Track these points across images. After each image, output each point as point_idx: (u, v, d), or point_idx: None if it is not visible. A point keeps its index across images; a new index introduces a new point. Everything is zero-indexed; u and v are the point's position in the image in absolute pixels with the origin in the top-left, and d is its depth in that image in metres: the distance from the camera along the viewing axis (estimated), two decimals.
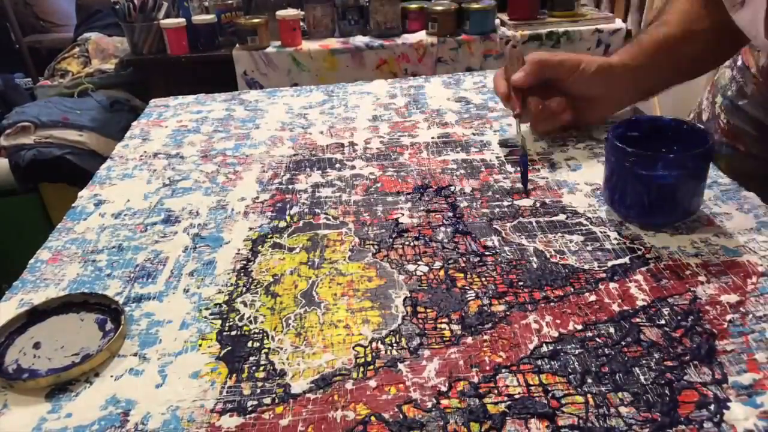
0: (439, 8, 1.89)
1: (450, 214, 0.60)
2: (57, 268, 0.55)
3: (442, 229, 0.58)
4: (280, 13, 2.05)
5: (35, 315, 0.48)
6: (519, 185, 0.64)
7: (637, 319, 0.45)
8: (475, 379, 0.41)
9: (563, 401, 0.39)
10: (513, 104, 0.71)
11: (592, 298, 0.48)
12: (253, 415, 0.39)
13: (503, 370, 0.41)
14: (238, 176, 0.70)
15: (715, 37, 0.74)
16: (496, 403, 0.39)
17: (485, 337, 0.44)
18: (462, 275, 0.51)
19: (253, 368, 0.43)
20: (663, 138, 0.59)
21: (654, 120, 0.61)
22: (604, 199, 0.59)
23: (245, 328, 0.47)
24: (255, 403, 0.40)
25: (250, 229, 0.59)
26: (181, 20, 2.14)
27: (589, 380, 0.40)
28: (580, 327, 0.45)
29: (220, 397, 0.41)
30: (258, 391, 0.41)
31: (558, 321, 0.45)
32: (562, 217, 0.59)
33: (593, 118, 0.76)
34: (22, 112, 2.03)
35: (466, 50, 1.91)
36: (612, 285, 0.49)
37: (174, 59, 2.17)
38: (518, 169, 0.66)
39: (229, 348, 0.45)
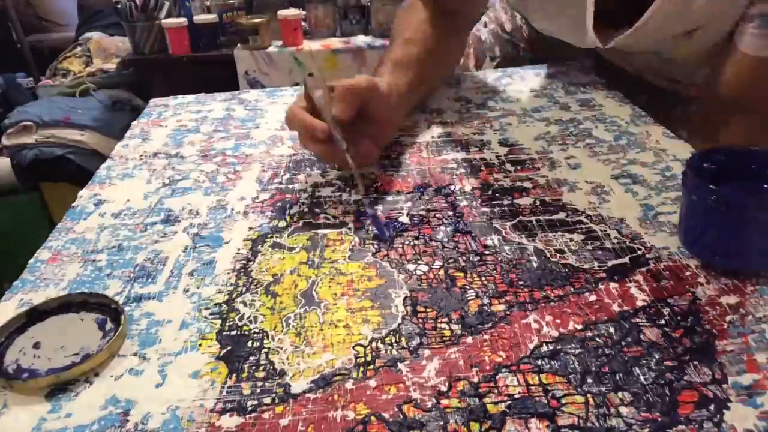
0: None
1: (450, 213, 0.60)
2: (57, 268, 0.55)
3: (442, 228, 0.58)
4: (282, 12, 2.05)
5: (35, 315, 0.48)
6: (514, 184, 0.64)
7: (637, 319, 0.45)
8: (475, 379, 0.41)
9: (563, 401, 0.39)
10: (336, 139, 0.61)
11: (592, 297, 0.48)
12: (253, 414, 0.39)
13: (503, 370, 0.41)
14: (238, 176, 0.70)
15: (450, 41, 0.86)
16: (496, 403, 0.39)
17: (485, 336, 0.44)
18: (462, 275, 0.51)
19: (253, 368, 0.43)
20: (743, 168, 0.52)
21: (731, 150, 0.53)
22: (681, 241, 0.52)
23: (245, 327, 0.47)
24: (255, 402, 0.40)
25: (250, 228, 0.59)
26: (183, 20, 2.14)
27: (589, 380, 0.40)
28: (580, 327, 0.45)
29: (220, 396, 0.41)
30: (258, 390, 0.41)
31: (558, 321, 0.45)
32: (562, 215, 0.58)
33: (382, 143, 0.70)
34: (24, 112, 2.04)
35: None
36: (612, 285, 0.49)
37: (175, 59, 2.18)
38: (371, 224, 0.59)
39: (229, 348, 0.45)
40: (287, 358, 0.44)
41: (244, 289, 0.51)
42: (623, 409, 0.38)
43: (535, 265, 0.52)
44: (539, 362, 0.42)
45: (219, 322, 0.47)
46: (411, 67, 0.75)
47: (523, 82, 0.94)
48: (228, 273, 0.53)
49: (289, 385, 0.41)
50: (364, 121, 0.65)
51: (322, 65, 2.02)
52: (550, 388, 0.40)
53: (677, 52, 0.82)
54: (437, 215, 0.60)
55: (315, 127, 0.61)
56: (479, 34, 1.10)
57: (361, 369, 0.42)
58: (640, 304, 0.47)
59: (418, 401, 0.39)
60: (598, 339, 0.44)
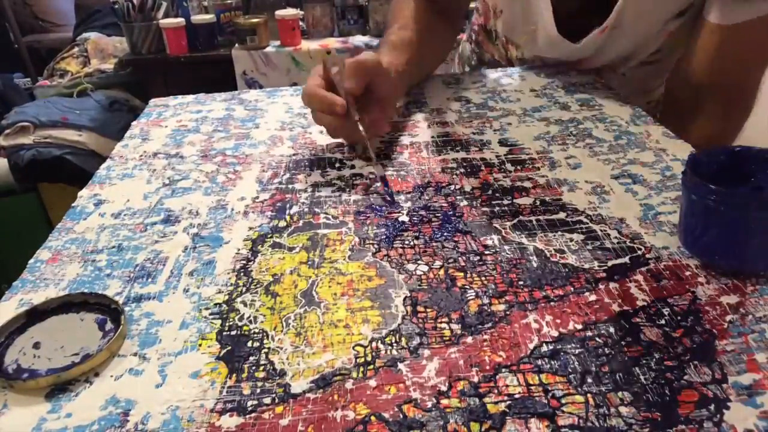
0: None
1: (450, 213, 0.60)
2: (57, 268, 0.55)
3: (442, 228, 0.58)
4: (279, 12, 2.05)
5: (35, 315, 0.48)
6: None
7: (637, 319, 0.45)
8: (475, 379, 0.41)
9: (563, 401, 0.39)
10: (352, 111, 0.67)
11: (592, 297, 0.48)
12: (253, 414, 0.39)
13: (503, 370, 0.41)
14: (237, 176, 0.70)
15: (441, 27, 0.93)
16: (496, 403, 0.39)
17: (485, 336, 0.44)
18: (462, 274, 0.51)
19: (253, 368, 0.43)
20: (742, 169, 0.52)
21: (731, 150, 0.53)
22: (681, 241, 0.53)
23: (245, 327, 0.47)
24: (255, 402, 0.40)
25: (250, 228, 0.59)
26: (181, 20, 2.14)
27: (589, 380, 0.40)
28: (580, 327, 0.45)
29: (220, 397, 0.41)
30: (258, 390, 0.41)
31: (558, 320, 0.46)
32: (562, 215, 0.59)
33: (386, 116, 0.75)
34: (22, 112, 2.03)
35: None
36: (612, 285, 0.49)
37: (173, 59, 2.18)
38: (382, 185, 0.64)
39: (229, 348, 0.45)
40: (287, 358, 0.43)
41: (244, 289, 0.51)
42: (623, 409, 0.38)
43: (535, 265, 0.52)
44: (539, 362, 0.42)
45: (219, 322, 0.47)
46: (406, 49, 0.81)
47: (523, 82, 0.94)
48: (228, 273, 0.53)
49: (289, 385, 0.41)
50: (368, 98, 0.71)
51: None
52: (550, 388, 0.40)
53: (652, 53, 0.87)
54: (437, 215, 0.60)
55: (335, 101, 0.67)
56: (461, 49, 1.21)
57: (361, 369, 0.42)
58: (640, 304, 0.47)
59: (418, 401, 0.39)
60: (598, 339, 0.44)
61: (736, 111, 0.83)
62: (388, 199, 0.62)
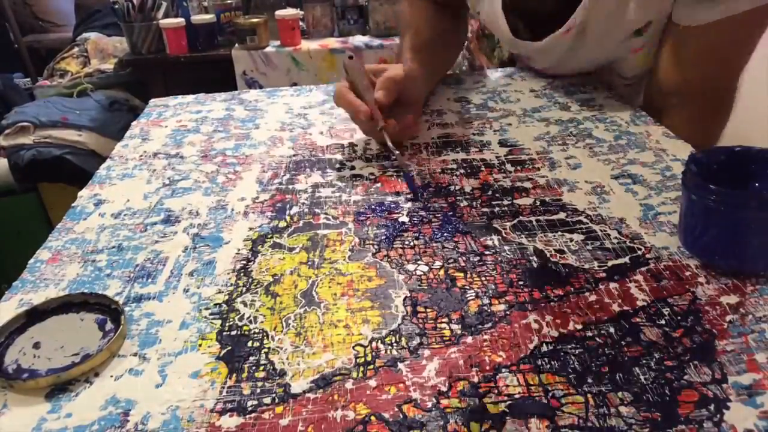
0: None
1: (450, 213, 0.60)
2: (57, 268, 0.55)
3: (443, 228, 0.58)
4: (279, 12, 2.05)
5: (35, 315, 0.48)
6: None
7: (637, 319, 0.45)
8: (475, 379, 0.41)
9: (563, 401, 0.39)
10: (377, 119, 0.70)
11: (592, 297, 0.48)
12: (253, 414, 0.39)
13: (503, 370, 0.41)
14: (238, 176, 0.70)
15: (454, 25, 0.96)
16: (496, 403, 0.39)
17: (485, 336, 0.44)
18: (462, 275, 0.51)
19: (253, 368, 0.43)
20: (742, 169, 0.52)
21: (731, 150, 0.53)
22: (681, 241, 0.53)
23: (245, 327, 0.47)
24: (255, 402, 0.40)
25: (250, 229, 0.59)
26: (180, 20, 2.14)
27: (589, 380, 0.40)
28: (580, 327, 0.45)
29: (220, 397, 0.41)
30: (258, 390, 0.41)
31: (558, 321, 0.45)
32: (562, 215, 0.59)
33: (417, 118, 0.79)
34: (22, 112, 2.03)
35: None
36: (612, 285, 0.49)
37: (173, 59, 2.18)
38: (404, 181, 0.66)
39: (229, 348, 0.45)
40: (287, 358, 0.43)
41: (244, 289, 0.51)
42: (623, 409, 0.38)
43: (535, 265, 0.52)
44: (539, 362, 0.42)
45: (219, 322, 0.47)
46: (427, 52, 0.84)
47: (523, 82, 0.94)
48: (228, 273, 0.53)
49: (289, 385, 0.41)
50: (399, 104, 0.74)
51: (321, 65, 2.02)
52: (550, 388, 0.40)
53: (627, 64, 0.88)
54: (437, 216, 0.60)
55: (359, 109, 0.71)
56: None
57: (361, 369, 0.42)
58: (640, 304, 0.47)
59: (418, 401, 0.39)
60: (598, 339, 0.44)
61: (715, 113, 0.82)
62: (413, 194, 0.64)
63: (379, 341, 0.45)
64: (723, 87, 0.80)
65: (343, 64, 0.74)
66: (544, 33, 0.83)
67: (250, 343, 0.45)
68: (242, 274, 0.53)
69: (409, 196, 0.64)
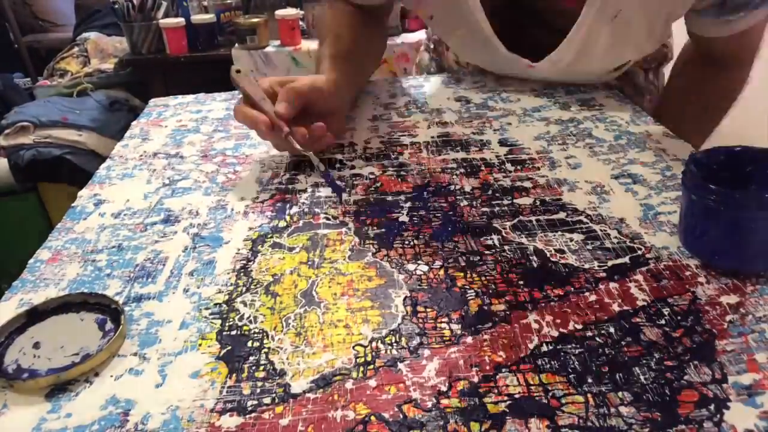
0: None
1: (450, 213, 0.60)
2: (57, 268, 0.55)
3: (442, 228, 0.58)
4: (279, 12, 2.05)
5: (35, 315, 0.48)
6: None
7: (637, 319, 0.45)
8: (475, 379, 0.41)
9: (563, 401, 0.39)
10: (279, 126, 0.67)
11: (592, 297, 0.48)
12: (253, 414, 0.39)
13: (503, 370, 0.41)
14: (237, 176, 0.70)
15: (372, 32, 0.94)
16: (496, 403, 0.39)
17: (485, 336, 0.44)
18: (462, 274, 0.51)
19: (253, 368, 0.43)
20: (742, 169, 0.52)
21: (731, 150, 0.53)
22: (681, 241, 0.53)
23: (245, 327, 0.47)
24: (255, 402, 0.40)
25: (250, 228, 0.59)
26: (180, 20, 2.14)
27: (589, 380, 0.40)
28: (580, 327, 0.45)
29: (220, 396, 0.41)
30: (258, 390, 0.41)
31: (558, 320, 0.45)
32: (562, 215, 0.59)
33: (334, 132, 0.75)
34: (21, 112, 2.03)
35: None
36: (612, 285, 0.49)
37: (173, 59, 2.18)
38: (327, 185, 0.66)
39: (229, 348, 0.45)
40: (287, 358, 0.43)
41: (244, 289, 0.51)
42: (623, 409, 0.38)
43: (535, 264, 0.52)
44: (539, 362, 0.42)
45: (219, 322, 0.47)
46: (347, 59, 0.82)
47: (523, 82, 0.94)
48: (228, 273, 0.53)
49: (289, 385, 0.41)
50: (315, 114, 0.71)
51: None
52: (550, 388, 0.40)
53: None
54: (437, 215, 0.60)
55: (257, 120, 0.67)
56: (420, 57, 1.22)
57: (361, 369, 0.42)
58: (640, 304, 0.47)
59: (418, 401, 0.39)
60: (598, 339, 0.44)
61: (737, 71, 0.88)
62: (337, 193, 0.64)
63: (379, 341, 0.45)
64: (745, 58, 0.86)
65: (231, 79, 0.71)
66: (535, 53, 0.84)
67: (250, 343, 0.45)
68: (242, 274, 0.53)
69: (409, 195, 0.64)
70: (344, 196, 0.64)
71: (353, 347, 0.44)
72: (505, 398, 0.39)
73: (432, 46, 1.15)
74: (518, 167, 0.68)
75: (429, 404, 0.39)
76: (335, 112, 0.76)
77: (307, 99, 0.70)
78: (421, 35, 1.93)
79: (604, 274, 0.50)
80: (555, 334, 0.44)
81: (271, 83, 0.71)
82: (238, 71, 0.71)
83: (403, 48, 1.95)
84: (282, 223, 0.60)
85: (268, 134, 0.68)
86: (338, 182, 0.66)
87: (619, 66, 0.85)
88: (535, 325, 0.45)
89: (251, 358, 0.44)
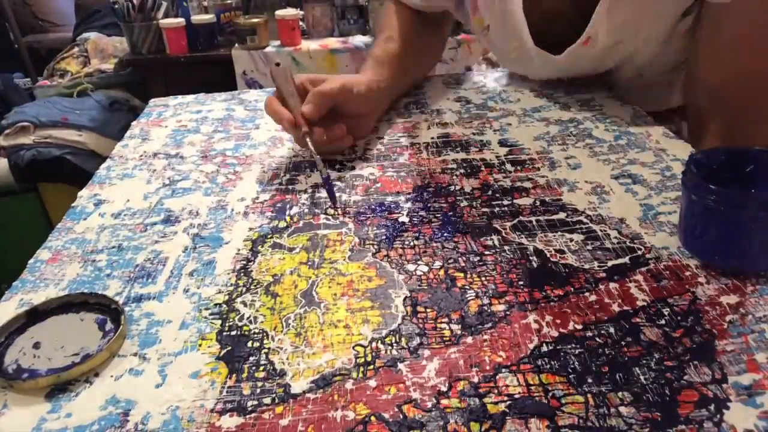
0: None
1: (450, 213, 0.60)
2: (57, 268, 0.55)
3: (442, 228, 0.58)
4: (279, 12, 2.05)
5: (35, 315, 0.48)
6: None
7: (637, 319, 0.45)
8: (475, 379, 0.41)
9: (563, 401, 0.39)
10: (299, 124, 0.68)
11: (592, 297, 0.48)
12: (253, 415, 0.39)
13: (503, 370, 0.41)
14: (238, 176, 0.70)
15: (428, 38, 0.94)
16: (496, 403, 0.39)
17: (485, 336, 0.44)
18: (462, 275, 0.51)
19: (253, 368, 0.43)
20: (742, 169, 0.52)
21: (731, 150, 0.53)
22: (681, 241, 0.53)
23: (245, 328, 0.47)
24: (255, 403, 0.40)
25: (250, 229, 0.59)
26: (181, 20, 2.14)
27: (589, 380, 0.40)
28: (580, 327, 0.45)
29: (220, 397, 0.41)
30: (258, 391, 0.41)
31: (558, 321, 0.45)
32: (562, 215, 0.59)
33: (361, 132, 0.78)
34: (21, 112, 2.03)
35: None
36: (612, 285, 0.49)
37: (173, 59, 2.18)
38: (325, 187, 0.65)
39: (229, 348, 0.45)
40: (287, 358, 0.43)
41: (244, 290, 0.51)
42: (623, 409, 0.38)
43: (535, 265, 0.52)
44: (539, 362, 0.42)
45: (219, 322, 0.47)
46: (391, 63, 0.83)
47: (523, 82, 0.94)
48: (228, 273, 0.53)
49: (289, 385, 0.41)
50: (341, 115, 0.72)
51: (321, 65, 2.02)
52: (550, 388, 0.40)
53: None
54: (437, 216, 0.60)
55: (282, 117, 0.69)
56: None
57: (361, 369, 0.42)
58: (640, 304, 0.47)
59: (418, 401, 0.39)
60: (598, 339, 0.44)
61: (758, 117, 0.72)
62: (332, 199, 0.63)
63: (379, 341, 0.45)
64: (762, 86, 0.70)
65: (269, 72, 0.71)
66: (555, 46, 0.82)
67: (250, 343, 0.45)
68: (242, 274, 0.53)
69: (409, 195, 0.64)
70: (338, 203, 0.64)
71: (353, 347, 0.44)
72: (505, 398, 0.39)
73: (440, 57, 1.13)
74: (518, 168, 0.68)
75: (429, 404, 0.39)
76: (365, 114, 0.77)
77: (335, 101, 0.71)
78: None
79: (604, 275, 0.50)
80: (555, 334, 0.44)
81: (303, 81, 0.72)
82: (277, 64, 0.72)
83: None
84: (282, 224, 0.60)
85: (291, 130, 0.70)
86: (336, 190, 0.66)
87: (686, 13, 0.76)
88: (535, 325, 0.45)
89: (251, 359, 0.44)
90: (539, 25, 0.82)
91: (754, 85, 0.70)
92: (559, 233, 0.56)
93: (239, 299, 0.50)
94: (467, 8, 0.91)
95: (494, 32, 0.88)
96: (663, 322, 0.45)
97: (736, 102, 0.72)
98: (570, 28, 0.80)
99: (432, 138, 0.77)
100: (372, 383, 0.41)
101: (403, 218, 0.60)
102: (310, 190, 0.66)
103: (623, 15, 0.76)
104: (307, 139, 0.68)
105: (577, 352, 0.43)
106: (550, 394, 0.39)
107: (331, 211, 0.62)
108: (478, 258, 0.53)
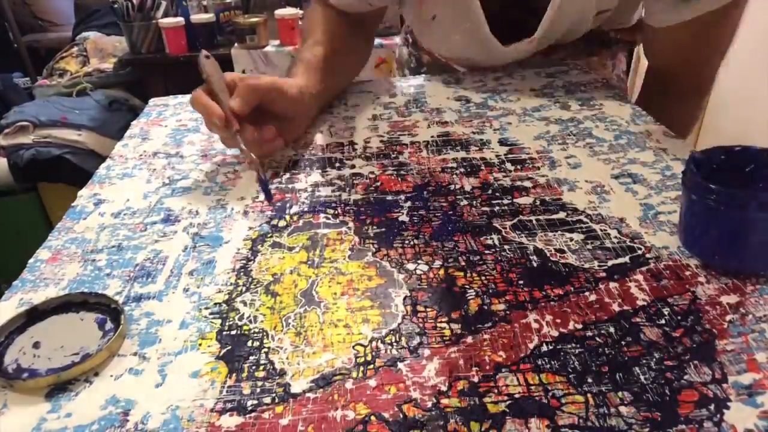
0: None
1: (450, 212, 0.60)
2: (56, 268, 0.55)
3: (443, 228, 0.58)
4: (279, 12, 2.05)
5: (35, 315, 0.48)
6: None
7: (637, 319, 0.45)
8: (475, 379, 0.41)
9: (563, 401, 0.39)
10: (230, 122, 0.66)
11: (592, 297, 0.48)
12: (253, 414, 0.39)
13: (503, 370, 0.41)
14: (237, 176, 0.70)
15: (355, 40, 0.93)
16: (496, 403, 0.39)
17: (485, 336, 0.44)
18: (462, 274, 0.51)
19: (253, 368, 0.43)
20: (742, 169, 0.52)
21: (731, 149, 0.53)
22: (681, 241, 0.53)
23: (245, 327, 0.47)
24: (255, 402, 0.40)
25: (250, 228, 0.59)
26: (180, 19, 2.14)
27: (589, 380, 0.40)
28: (580, 327, 0.45)
29: (220, 396, 0.41)
30: (258, 390, 0.41)
31: (558, 320, 0.45)
32: (562, 215, 0.59)
33: (290, 136, 0.76)
34: (21, 112, 2.03)
35: None
36: (612, 284, 0.49)
37: (172, 58, 2.18)
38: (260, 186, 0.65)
39: (229, 347, 0.45)
40: (287, 358, 0.43)
41: (244, 289, 0.51)
42: (623, 409, 0.38)
43: (535, 264, 0.52)
44: (539, 362, 0.42)
45: (219, 321, 0.47)
46: (320, 67, 0.81)
47: (523, 82, 0.94)
48: (228, 272, 0.53)
49: (289, 385, 0.41)
50: (271, 116, 0.71)
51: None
52: (550, 388, 0.40)
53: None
54: (437, 215, 0.60)
55: (213, 112, 0.65)
56: (399, 51, 1.22)
57: (361, 369, 0.42)
58: (640, 303, 0.47)
59: (418, 401, 0.39)
60: (598, 339, 0.44)
61: (694, 97, 0.91)
62: (267, 197, 0.64)
63: (379, 341, 0.45)
64: (706, 74, 0.87)
65: (198, 64, 0.68)
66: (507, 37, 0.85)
67: (250, 343, 0.45)
68: (242, 274, 0.53)
69: (409, 195, 0.64)
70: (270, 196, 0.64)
71: (353, 347, 0.44)
72: (505, 398, 0.39)
73: (410, 40, 1.14)
74: (518, 167, 0.68)
75: (429, 404, 0.39)
76: (296, 118, 0.76)
77: (264, 97, 0.69)
78: None
79: (604, 274, 0.50)
80: (555, 333, 0.44)
81: (233, 77, 0.69)
82: (207, 57, 0.68)
83: None
84: (282, 223, 0.60)
85: (221, 128, 0.67)
86: (334, 189, 0.65)
87: (601, 11, 0.86)
88: (535, 325, 0.45)
89: (251, 358, 0.44)
90: (493, 7, 0.85)
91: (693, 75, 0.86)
92: (559, 233, 0.56)
93: (239, 298, 0.50)
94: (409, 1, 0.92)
95: (442, 20, 0.89)
96: (663, 321, 0.45)
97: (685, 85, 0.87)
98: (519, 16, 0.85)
99: (432, 137, 0.77)
100: (372, 383, 0.41)
101: (403, 217, 0.60)
102: (310, 190, 0.66)
103: (570, 17, 0.83)
104: (239, 138, 0.65)
105: (577, 351, 0.43)
106: (550, 393, 0.39)
107: (331, 211, 0.62)
108: (478, 257, 0.53)
